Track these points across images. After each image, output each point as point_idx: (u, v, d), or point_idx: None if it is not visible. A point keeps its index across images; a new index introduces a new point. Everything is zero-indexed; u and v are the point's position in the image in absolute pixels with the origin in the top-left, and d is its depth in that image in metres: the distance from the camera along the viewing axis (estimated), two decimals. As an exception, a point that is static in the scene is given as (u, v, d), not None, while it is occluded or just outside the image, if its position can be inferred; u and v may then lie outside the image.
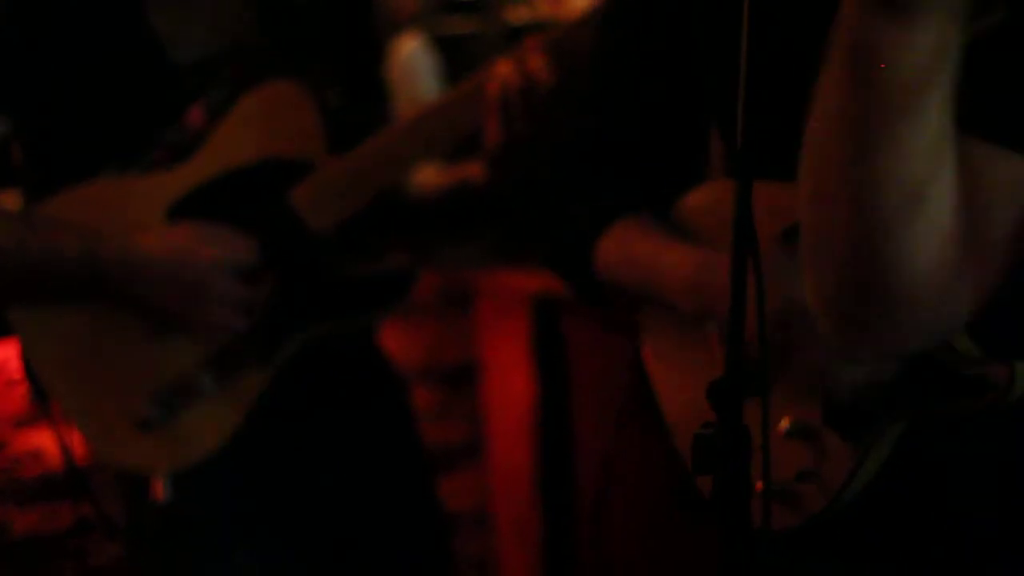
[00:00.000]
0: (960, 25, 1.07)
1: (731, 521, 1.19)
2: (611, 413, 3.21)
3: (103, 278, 2.02)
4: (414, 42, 4.22)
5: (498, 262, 3.71)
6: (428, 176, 2.41)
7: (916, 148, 1.11)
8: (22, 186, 2.15)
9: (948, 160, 1.13)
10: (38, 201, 2.09)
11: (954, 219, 1.14)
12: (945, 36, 1.07)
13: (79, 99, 2.08)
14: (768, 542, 1.23)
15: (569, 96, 1.86)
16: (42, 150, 2.13)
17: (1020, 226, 1.19)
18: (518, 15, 4.61)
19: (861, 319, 1.25)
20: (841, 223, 1.17)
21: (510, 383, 3.72)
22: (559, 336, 3.59)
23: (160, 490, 2.06)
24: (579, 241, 1.71)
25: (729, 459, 1.19)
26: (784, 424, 1.51)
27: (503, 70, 2.08)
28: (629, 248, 1.67)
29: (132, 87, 2.09)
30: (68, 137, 2.10)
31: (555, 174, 1.78)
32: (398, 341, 3.60)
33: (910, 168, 1.12)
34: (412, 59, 4.19)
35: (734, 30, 1.22)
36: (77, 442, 2.14)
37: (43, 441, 3.21)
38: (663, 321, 1.69)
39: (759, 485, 1.49)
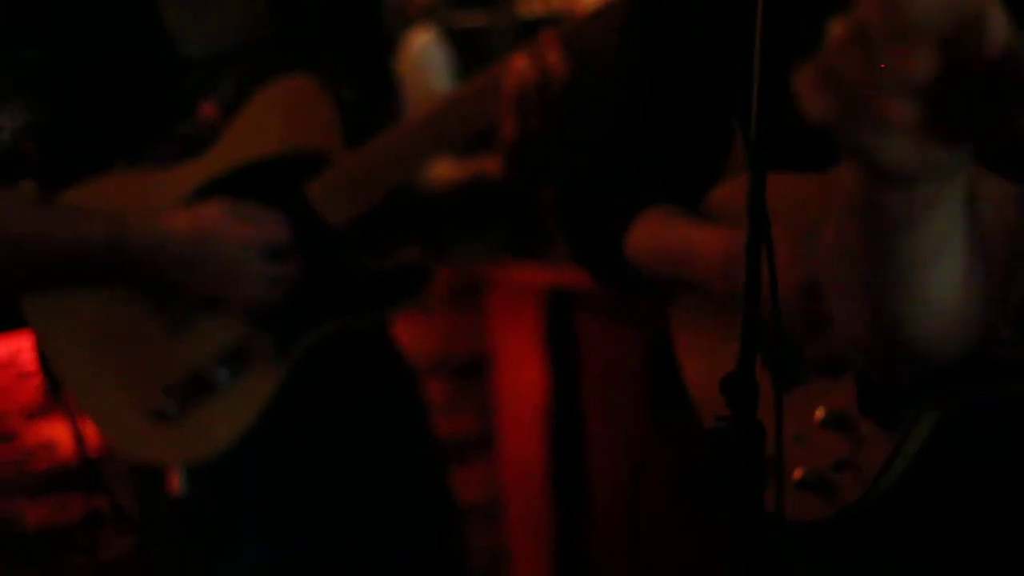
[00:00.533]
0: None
1: (742, 515, 1.18)
2: (623, 405, 3.21)
3: (132, 262, 2.02)
4: (426, 35, 4.22)
5: (509, 255, 3.71)
6: (443, 170, 2.41)
7: (940, 283, 1.11)
8: (35, 179, 2.15)
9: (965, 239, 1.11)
10: (52, 194, 2.08)
11: (967, 271, 1.13)
12: (957, 208, 1.04)
13: (91, 92, 2.08)
14: (786, 534, 1.23)
15: (588, 91, 1.86)
16: (55, 143, 2.13)
17: (1009, 241, 1.20)
18: (531, 8, 4.60)
19: (889, 365, 1.29)
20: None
21: (522, 375, 3.72)
22: (570, 329, 3.59)
23: (175, 483, 2.06)
24: (608, 234, 1.71)
25: (742, 452, 1.19)
26: (820, 414, 1.50)
27: (519, 65, 2.07)
28: (659, 234, 1.67)
29: (144, 81, 2.09)
30: (81, 130, 2.10)
31: (580, 170, 1.78)
32: (410, 334, 3.59)
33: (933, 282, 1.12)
34: (424, 52, 4.19)
35: (752, 23, 1.21)
36: (91, 434, 2.14)
37: (55, 433, 3.22)
38: (696, 315, 1.69)
39: (797, 472, 1.50)
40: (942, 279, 1.11)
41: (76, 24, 2.06)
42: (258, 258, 2.05)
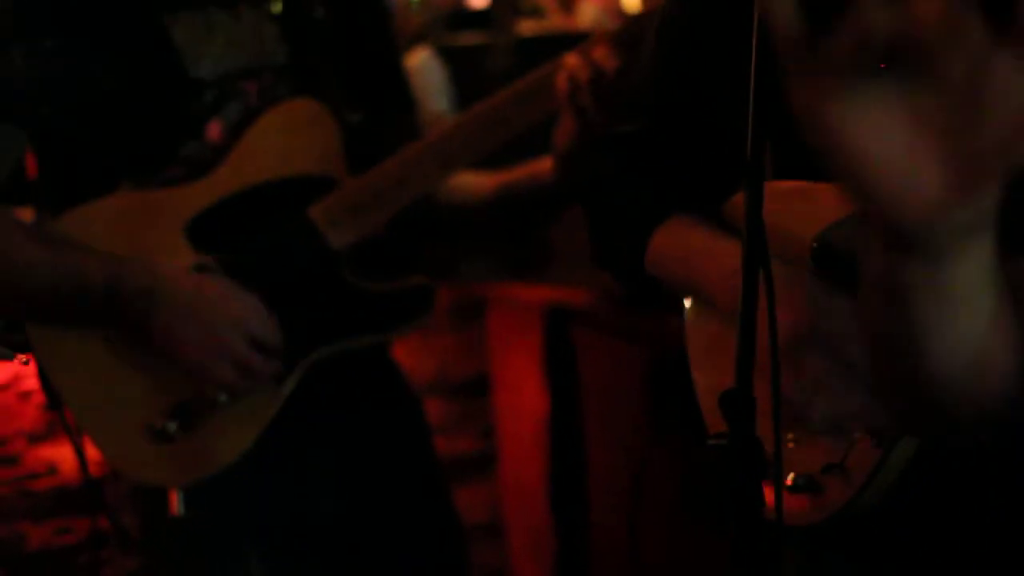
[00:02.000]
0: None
1: (743, 529, 1.19)
2: (624, 424, 3.21)
3: (125, 307, 2.00)
4: (422, 55, 4.23)
5: (509, 275, 3.72)
6: (483, 180, 2.40)
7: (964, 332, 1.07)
8: (37, 202, 2.16)
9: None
10: (55, 216, 2.09)
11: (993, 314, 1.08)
12: (983, 263, 1.00)
13: (98, 112, 2.08)
14: (785, 541, 1.24)
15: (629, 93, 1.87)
16: (59, 164, 2.14)
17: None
18: (528, 27, 4.62)
19: (918, 421, 1.26)
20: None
21: (522, 395, 3.72)
22: (570, 347, 3.59)
23: (176, 503, 2.06)
24: (630, 238, 1.73)
25: (740, 469, 1.20)
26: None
27: (571, 63, 2.09)
28: (676, 243, 1.69)
29: (151, 101, 2.09)
30: (85, 151, 2.11)
31: (609, 172, 1.80)
32: (411, 354, 3.61)
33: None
34: (420, 72, 4.20)
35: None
36: (93, 455, 2.15)
37: (56, 455, 3.22)
38: (708, 328, 1.70)
39: (789, 476, 1.51)
40: (968, 328, 1.06)
41: (84, 44, 2.06)
42: (244, 341, 2.04)
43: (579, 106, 2.08)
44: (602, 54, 2.07)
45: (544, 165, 2.25)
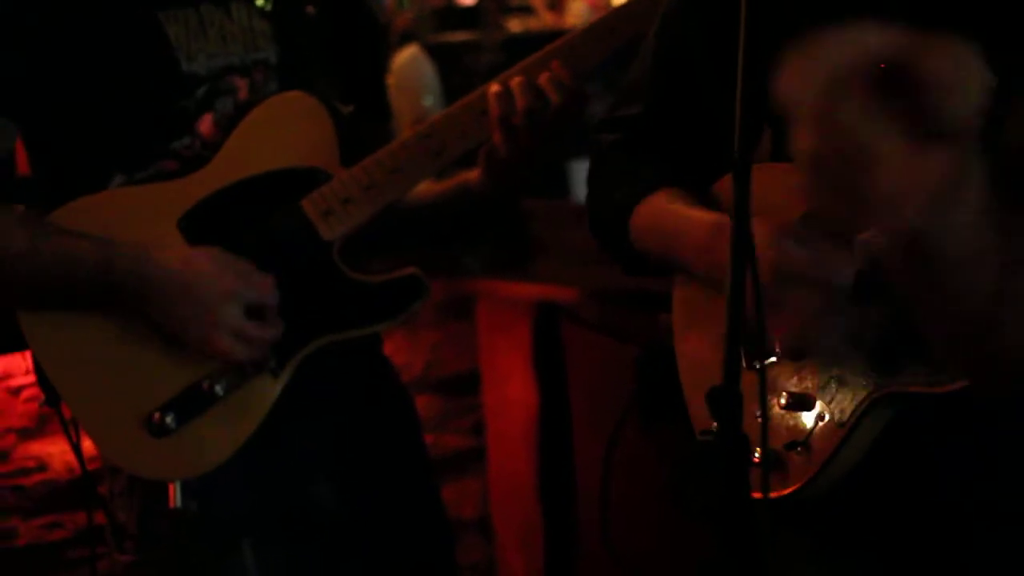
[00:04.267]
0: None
1: (732, 526, 1.20)
2: (612, 420, 3.22)
3: (117, 287, 2.02)
4: (411, 51, 4.24)
5: (497, 270, 3.73)
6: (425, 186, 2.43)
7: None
8: (29, 197, 2.16)
9: None
10: (47, 211, 2.09)
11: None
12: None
13: (90, 107, 2.09)
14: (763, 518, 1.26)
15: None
16: (52, 159, 2.14)
17: None
18: (516, 25, 4.63)
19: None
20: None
21: (511, 390, 3.73)
22: (559, 342, 3.60)
23: (174, 496, 2.07)
24: (618, 209, 1.80)
25: (728, 465, 1.21)
26: (783, 398, 1.58)
27: (513, 84, 2.10)
28: (657, 213, 1.76)
29: (144, 96, 2.10)
30: (79, 146, 2.11)
31: (608, 149, 1.88)
32: (401, 350, 3.62)
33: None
34: (409, 68, 4.21)
35: (779, 26, 1.24)
36: (89, 448, 2.16)
37: (46, 451, 3.23)
38: (694, 298, 1.75)
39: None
40: None
41: (78, 39, 2.07)
42: (238, 312, 2.05)
43: (510, 127, 2.10)
44: (546, 81, 2.08)
45: (473, 175, 2.27)
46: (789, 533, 1.60)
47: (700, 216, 1.68)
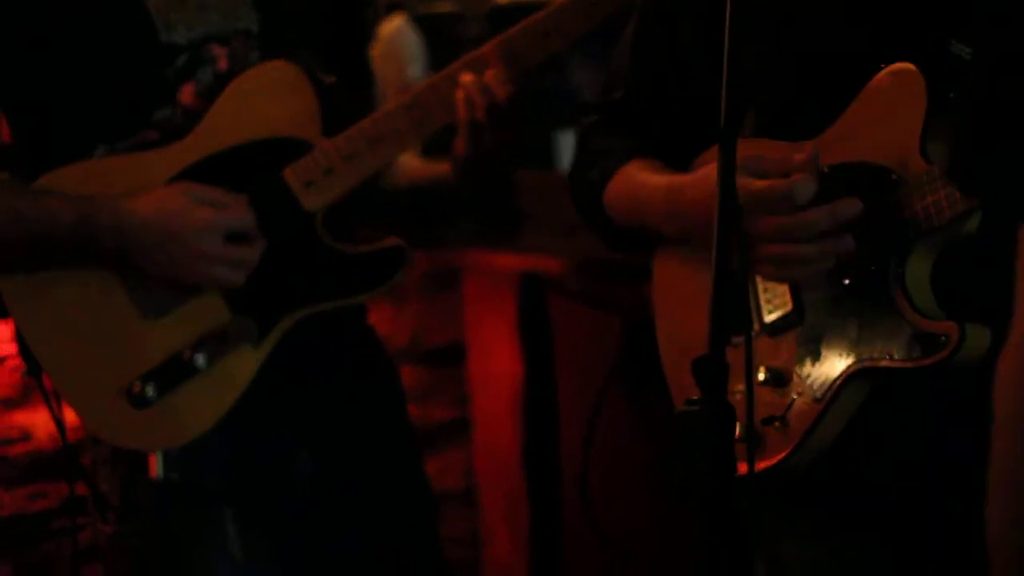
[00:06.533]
0: None
1: (715, 500, 1.20)
2: (597, 389, 3.23)
3: (98, 243, 2.04)
4: (397, 22, 4.22)
5: (483, 242, 3.72)
6: (413, 166, 2.43)
7: None
8: (10, 164, 2.16)
9: None
10: (29, 180, 2.09)
11: None
12: None
13: (72, 77, 2.09)
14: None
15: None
16: (33, 129, 2.14)
17: None
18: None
19: None
20: None
21: (496, 362, 3.73)
22: (545, 314, 3.60)
23: (155, 466, 2.07)
24: (594, 183, 1.83)
25: (713, 436, 1.21)
26: (761, 373, 1.59)
27: (466, 81, 2.10)
28: (624, 186, 1.79)
29: (125, 66, 2.10)
30: (60, 116, 2.12)
31: (591, 128, 1.91)
32: (385, 321, 3.61)
33: None
34: (395, 39, 4.19)
35: (763, 9, 1.25)
36: (71, 419, 2.15)
37: (30, 421, 3.22)
38: (674, 271, 1.77)
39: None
40: None
41: (58, 9, 2.07)
42: (219, 240, 2.06)
43: (475, 123, 2.11)
44: (493, 78, 2.09)
45: (446, 167, 2.28)
46: (773, 509, 1.60)
47: (657, 181, 1.72)
